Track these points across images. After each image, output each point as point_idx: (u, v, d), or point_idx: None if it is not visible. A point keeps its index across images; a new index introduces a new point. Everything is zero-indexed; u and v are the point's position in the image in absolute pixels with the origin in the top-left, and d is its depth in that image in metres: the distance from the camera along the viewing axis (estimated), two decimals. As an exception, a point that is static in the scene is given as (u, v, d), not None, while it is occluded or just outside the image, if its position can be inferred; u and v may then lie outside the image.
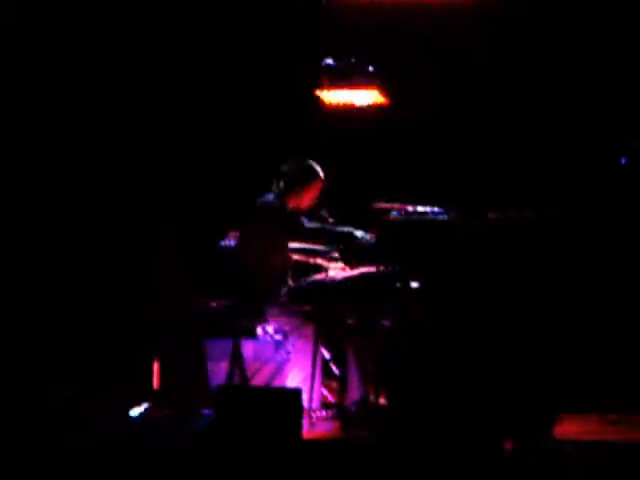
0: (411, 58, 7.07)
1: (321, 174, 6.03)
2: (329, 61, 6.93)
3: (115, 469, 4.81)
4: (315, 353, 5.73)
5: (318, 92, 7.01)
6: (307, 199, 6.02)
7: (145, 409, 5.77)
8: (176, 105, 7.10)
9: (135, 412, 5.67)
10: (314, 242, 6.09)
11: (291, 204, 6.02)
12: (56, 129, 6.74)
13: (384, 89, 6.97)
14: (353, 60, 6.91)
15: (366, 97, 7.02)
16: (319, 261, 6.03)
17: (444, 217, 5.76)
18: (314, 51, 7.07)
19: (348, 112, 7.05)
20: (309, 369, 5.72)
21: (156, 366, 5.98)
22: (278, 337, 5.95)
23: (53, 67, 6.69)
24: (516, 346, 5.48)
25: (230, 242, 6.23)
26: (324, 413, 5.77)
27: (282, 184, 6.01)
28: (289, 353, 5.84)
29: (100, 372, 6.12)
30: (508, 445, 5.01)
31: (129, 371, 6.19)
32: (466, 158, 7.06)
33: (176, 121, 7.13)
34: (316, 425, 5.69)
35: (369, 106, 7.05)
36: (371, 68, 6.89)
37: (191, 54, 7.05)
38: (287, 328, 5.86)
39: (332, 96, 7.02)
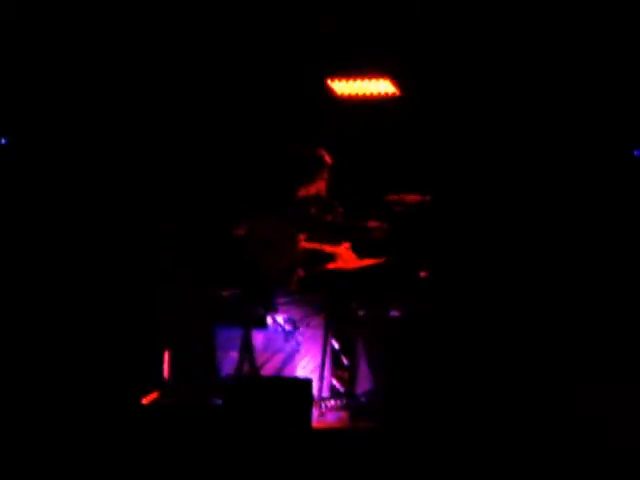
0: (425, 46, 7.02)
1: (327, 159, 6.02)
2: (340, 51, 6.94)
3: (125, 458, 4.84)
4: (325, 343, 5.73)
5: (329, 82, 7.01)
6: (315, 187, 6.01)
7: (155, 398, 5.79)
8: (181, 93, 7.09)
9: (145, 401, 5.69)
10: (324, 233, 6.10)
11: (300, 193, 6.02)
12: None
13: (396, 79, 6.95)
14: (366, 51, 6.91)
15: (378, 87, 7.01)
16: (328, 248, 6.02)
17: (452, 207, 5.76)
18: (326, 40, 7.05)
19: (360, 102, 7.05)
20: (319, 359, 5.72)
21: (167, 355, 6.00)
22: (288, 327, 5.96)
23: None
24: (520, 336, 5.49)
25: (240, 231, 6.24)
26: (334, 403, 5.78)
27: (290, 172, 6.02)
28: (299, 343, 5.85)
29: (111, 362, 6.14)
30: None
31: (140, 360, 6.21)
32: (477, 147, 7.03)
33: (184, 108, 7.13)
34: (326, 415, 5.70)
35: (381, 96, 7.04)
36: (383, 57, 6.88)
37: (193, 41, 7.02)
38: (297, 318, 5.87)
39: (343, 86, 7.01)
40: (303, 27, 7.01)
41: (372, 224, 5.98)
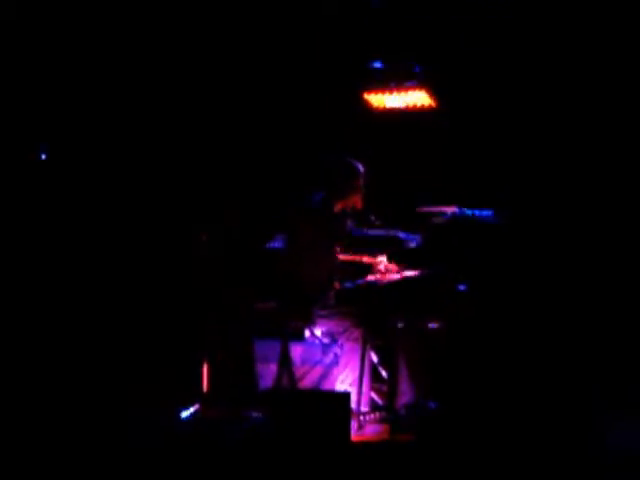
0: (461, 59, 7.01)
1: (363, 172, 6.02)
2: (377, 64, 6.94)
3: (165, 470, 4.85)
4: (363, 356, 5.72)
5: (366, 95, 7.01)
6: (351, 198, 6.01)
7: (195, 411, 5.80)
8: (223, 104, 7.14)
9: (185, 414, 5.70)
10: (361, 246, 6.10)
11: (338, 205, 6.03)
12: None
13: (432, 91, 6.94)
14: (401, 62, 6.90)
15: (414, 99, 6.99)
16: (366, 259, 6.02)
17: (491, 219, 5.74)
18: (363, 53, 7.06)
19: (397, 114, 7.04)
20: (357, 372, 5.71)
21: (205, 368, 6.01)
22: (326, 340, 5.96)
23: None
24: (562, 346, 5.45)
25: (278, 244, 6.26)
26: (373, 416, 5.77)
27: (327, 185, 6.03)
28: (337, 356, 5.84)
29: (151, 375, 6.16)
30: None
31: (179, 373, 6.23)
32: (512, 160, 6.99)
33: (224, 121, 7.18)
34: (364, 428, 5.69)
35: (417, 108, 7.03)
36: (419, 69, 6.87)
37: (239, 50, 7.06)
38: (335, 331, 5.86)
39: (380, 99, 7.01)
40: (341, 40, 7.04)
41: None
